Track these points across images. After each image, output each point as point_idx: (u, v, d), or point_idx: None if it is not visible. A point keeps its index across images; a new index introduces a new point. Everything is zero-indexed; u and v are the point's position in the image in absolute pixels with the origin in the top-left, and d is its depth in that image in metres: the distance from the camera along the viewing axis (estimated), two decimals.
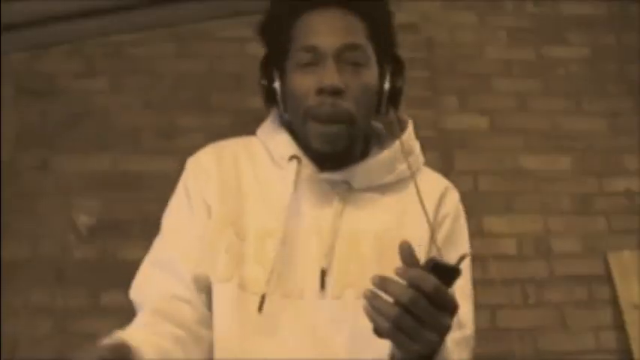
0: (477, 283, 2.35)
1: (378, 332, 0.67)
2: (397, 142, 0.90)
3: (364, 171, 0.90)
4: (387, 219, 0.89)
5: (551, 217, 2.28)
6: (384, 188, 0.91)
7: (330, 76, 0.85)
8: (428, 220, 0.82)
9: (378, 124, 0.98)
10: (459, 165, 2.32)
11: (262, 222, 0.89)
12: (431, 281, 0.65)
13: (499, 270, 2.18)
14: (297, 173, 0.89)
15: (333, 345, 0.83)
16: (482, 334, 2.18)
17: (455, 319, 0.71)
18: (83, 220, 2.15)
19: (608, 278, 2.20)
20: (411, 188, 0.86)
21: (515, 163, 2.35)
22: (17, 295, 2.04)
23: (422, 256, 0.83)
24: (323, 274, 0.84)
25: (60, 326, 2.03)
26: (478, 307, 2.30)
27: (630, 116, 2.47)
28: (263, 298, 0.83)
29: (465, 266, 0.83)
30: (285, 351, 0.82)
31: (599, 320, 2.16)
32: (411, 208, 0.87)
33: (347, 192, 0.89)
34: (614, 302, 2.16)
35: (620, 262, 2.20)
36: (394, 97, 0.92)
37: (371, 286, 0.68)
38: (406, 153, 0.89)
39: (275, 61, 0.93)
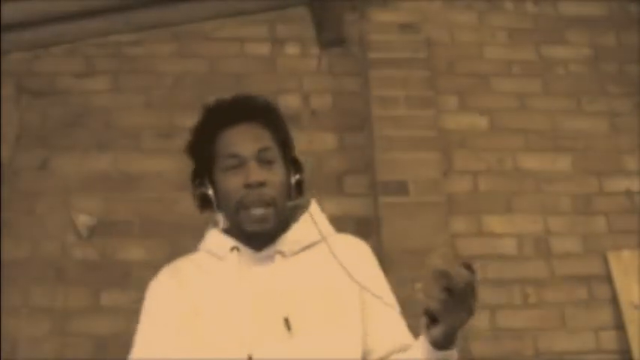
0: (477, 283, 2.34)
1: (430, 311, 0.91)
2: (306, 214, 1.13)
3: (290, 240, 1.11)
4: (319, 272, 1.09)
5: (551, 217, 2.28)
6: (309, 248, 1.12)
7: (254, 174, 1.07)
8: (349, 274, 1.04)
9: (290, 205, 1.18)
10: (458, 165, 2.32)
11: (219, 301, 1.07)
12: (467, 275, 0.89)
13: (499, 270, 2.18)
14: (239, 258, 1.09)
15: None
16: (483, 334, 2.20)
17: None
18: (83, 220, 2.15)
19: (608, 278, 2.19)
20: (331, 244, 1.09)
21: (515, 163, 2.35)
22: (17, 295, 2.04)
23: (355, 297, 1.07)
24: (287, 321, 1.01)
25: (60, 326, 2.03)
26: (479, 307, 2.31)
27: (630, 116, 2.47)
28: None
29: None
30: None
31: (599, 320, 2.15)
32: (329, 263, 1.08)
33: (282, 260, 1.09)
34: (614, 302, 2.16)
35: (620, 262, 2.20)
36: (299, 187, 1.15)
37: (321, 326, 1.00)
38: (315, 220, 1.12)
39: (203, 172, 1.13)
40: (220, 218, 1.15)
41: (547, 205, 2.30)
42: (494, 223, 2.25)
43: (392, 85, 2.30)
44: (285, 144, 1.16)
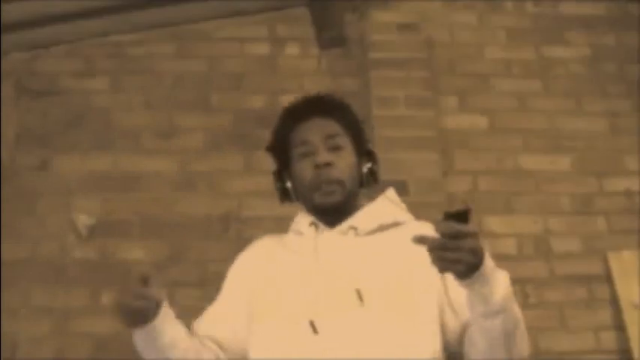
0: None
1: (434, 265, 0.93)
2: (382, 197, 1.24)
3: (363, 218, 1.19)
4: (394, 252, 1.13)
5: (551, 217, 2.28)
6: (385, 230, 1.18)
7: (321, 156, 1.18)
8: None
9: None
10: (458, 165, 2.32)
11: (292, 270, 1.17)
12: (449, 226, 0.90)
13: None
14: (316, 232, 1.19)
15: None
16: None
17: None
18: (83, 220, 2.15)
19: (608, 278, 2.19)
20: (406, 229, 1.14)
21: (515, 163, 2.35)
22: (17, 295, 2.04)
23: (431, 282, 1.10)
24: (359, 292, 1.06)
25: (60, 326, 2.03)
26: None
27: (630, 116, 2.46)
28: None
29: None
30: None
31: (599, 320, 2.15)
32: (405, 244, 1.09)
33: (355, 235, 1.17)
34: (614, 302, 2.16)
35: (620, 262, 2.20)
36: (374, 176, 1.26)
37: (394, 303, 1.04)
38: (391, 203, 1.23)
39: (284, 167, 1.25)
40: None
41: (547, 205, 2.30)
42: (495, 222, 2.24)
43: (392, 85, 2.30)
44: (357, 136, 1.25)
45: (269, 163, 2.33)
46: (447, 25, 2.53)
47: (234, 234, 2.16)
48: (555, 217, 2.28)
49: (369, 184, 1.25)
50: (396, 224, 1.19)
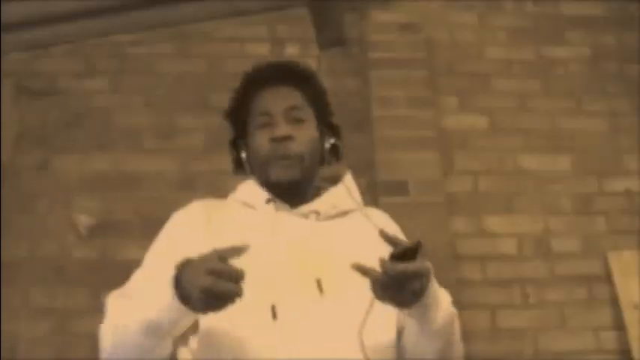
0: (477, 283, 2.36)
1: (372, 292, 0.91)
2: (341, 183, 1.15)
3: (326, 202, 1.12)
4: (354, 239, 1.08)
5: (551, 217, 2.28)
6: (342, 216, 1.12)
7: (279, 128, 1.10)
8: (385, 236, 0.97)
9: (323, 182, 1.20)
10: (458, 165, 2.32)
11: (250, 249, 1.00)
12: (393, 267, 0.86)
13: (499, 270, 2.18)
14: (274, 210, 1.09)
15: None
16: (483, 333, 2.20)
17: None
18: (83, 220, 2.15)
19: (608, 278, 2.19)
20: (361, 217, 1.10)
21: (515, 163, 2.34)
22: (17, 295, 2.04)
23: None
24: (319, 282, 1.00)
25: (60, 326, 2.03)
26: (478, 307, 2.30)
27: (630, 116, 2.46)
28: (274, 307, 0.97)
29: None
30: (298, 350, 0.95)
31: (599, 320, 2.15)
32: (366, 231, 1.06)
33: (316, 220, 1.10)
34: (614, 302, 2.16)
35: (620, 262, 2.20)
36: (336, 153, 1.18)
37: (354, 294, 0.94)
38: (350, 190, 1.15)
39: (239, 137, 1.17)
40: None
41: (547, 205, 2.30)
42: (495, 222, 2.24)
43: (392, 85, 2.30)
44: (320, 108, 1.17)
45: None
46: (447, 25, 2.52)
47: None
48: (555, 217, 2.28)
49: (330, 161, 1.17)
50: (351, 211, 1.13)
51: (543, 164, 2.35)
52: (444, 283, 2.07)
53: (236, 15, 2.44)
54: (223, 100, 2.35)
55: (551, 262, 2.22)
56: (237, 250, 0.85)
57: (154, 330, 0.91)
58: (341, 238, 1.07)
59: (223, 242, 0.96)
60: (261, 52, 2.44)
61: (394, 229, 1.17)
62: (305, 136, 1.11)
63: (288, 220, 1.07)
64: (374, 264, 0.96)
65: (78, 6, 2.23)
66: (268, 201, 1.10)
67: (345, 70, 2.41)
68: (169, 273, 0.88)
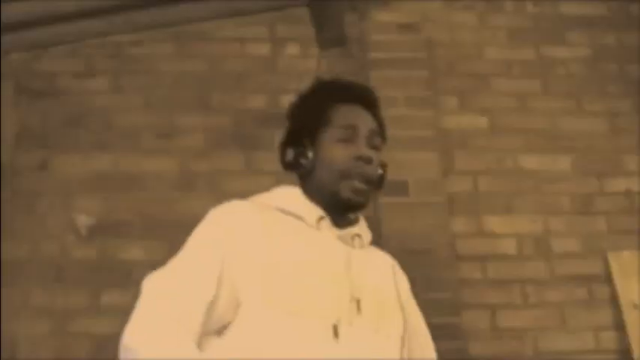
0: (477, 283, 2.36)
1: None
2: (361, 219, 1.21)
3: (364, 230, 1.19)
4: (378, 270, 1.18)
5: (551, 217, 2.27)
6: (369, 248, 1.21)
7: (366, 149, 1.14)
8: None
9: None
10: (458, 165, 2.32)
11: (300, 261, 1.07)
12: None
13: (499, 270, 2.18)
14: (325, 228, 1.12)
15: None
16: (483, 334, 2.20)
17: None
18: (83, 220, 2.15)
19: (608, 278, 2.19)
20: (380, 255, 1.23)
21: (515, 163, 2.34)
22: (17, 295, 2.04)
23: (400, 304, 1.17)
24: (358, 302, 1.05)
25: (60, 326, 2.02)
26: (478, 307, 2.30)
27: (630, 116, 2.46)
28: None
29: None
30: None
31: (599, 320, 2.15)
32: (389, 270, 1.22)
33: (360, 245, 1.16)
34: (614, 302, 2.15)
35: (620, 262, 2.20)
36: (381, 183, 1.23)
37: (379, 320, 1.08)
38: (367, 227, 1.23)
39: (304, 137, 1.16)
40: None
41: (547, 205, 2.30)
42: (495, 222, 2.24)
43: (392, 85, 2.29)
44: (384, 140, 1.23)
45: (269, 163, 2.32)
46: (447, 25, 2.52)
47: None
48: (555, 217, 2.28)
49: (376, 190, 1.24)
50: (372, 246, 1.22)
51: (543, 164, 2.35)
52: (444, 283, 2.08)
53: (236, 15, 2.44)
54: (223, 100, 2.38)
55: (551, 262, 2.21)
56: None
57: None
58: (373, 267, 1.15)
59: (278, 255, 1.04)
60: (261, 52, 2.44)
61: (401, 274, 1.26)
62: (378, 162, 1.17)
63: (337, 242, 1.12)
64: (391, 298, 1.14)
65: (78, 6, 2.23)
66: (320, 219, 1.12)
67: (345, 70, 2.39)
68: None
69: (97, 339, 2.00)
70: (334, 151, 1.13)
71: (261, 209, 1.12)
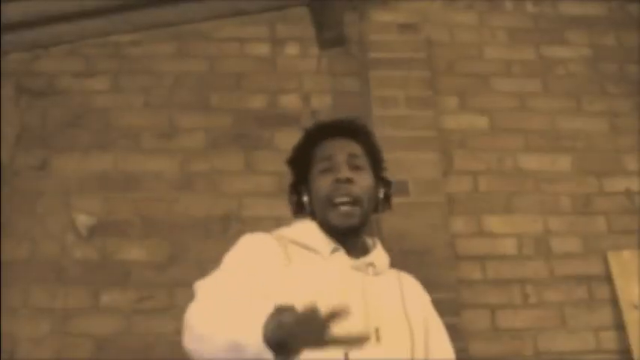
0: (477, 283, 2.36)
1: None
2: (379, 244, 1.28)
3: (380, 257, 1.24)
4: (395, 296, 1.20)
5: (551, 217, 2.27)
6: (387, 272, 1.25)
7: (343, 171, 1.20)
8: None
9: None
10: (458, 165, 2.32)
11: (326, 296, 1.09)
12: None
13: (499, 270, 2.18)
14: (339, 260, 1.18)
15: None
16: (482, 334, 2.20)
17: None
18: (83, 220, 2.15)
19: (608, 278, 2.18)
20: (398, 277, 1.25)
21: (515, 163, 2.34)
22: (17, 295, 2.04)
23: (421, 327, 1.19)
24: (377, 331, 1.09)
25: (60, 326, 2.02)
26: (478, 307, 2.30)
27: (630, 116, 2.46)
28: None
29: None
30: None
31: (599, 320, 2.14)
32: (406, 291, 1.23)
33: (374, 273, 1.19)
34: (614, 302, 2.15)
35: (620, 262, 2.19)
36: (388, 203, 1.30)
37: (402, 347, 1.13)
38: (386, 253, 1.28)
39: (302, 181, 1.27)
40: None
41: (547, 205, 2.29)
42: (494, 222, 2.24)
43: (392, 85, 2.29)
44: (376, 161, 1.30)
45: (269, 163, 2.32)
46: (447, 25, 2.52)
47: (234, 234, 2.14)
48: (555, 217, 2.27)
49: (383, 209, 1.29)
50: (388, 270, 1.26)
51: (543, 164, 2.35)
52: (443, 283, 2.07)
53: (236, 15, 2.44)
54: (223, 99, 2.38)
55: (551, 262, 2.21)
56: (340, 315, 0.85)
57: (236, 352, 0.94)
58: (391, 293, 1.19)
59: (299, 283, 1.09)
60: (261, 52, 2.44)
61: (424, 293, 1.30)
62: (363, 181, 1.22)
63: (352, 272, 1.16)
64: (415, 320, 1.16)
65: (78, 6, 2.23)
66: (334, 250, 1.18)
67: (344, 70, 2.41)
68: (265, 310, 0.91)
69: (97, 339, 2.00)
70: (317, 182, 1.22)
71: (281, 242, 1.19)
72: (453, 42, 2.50)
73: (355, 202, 1.18)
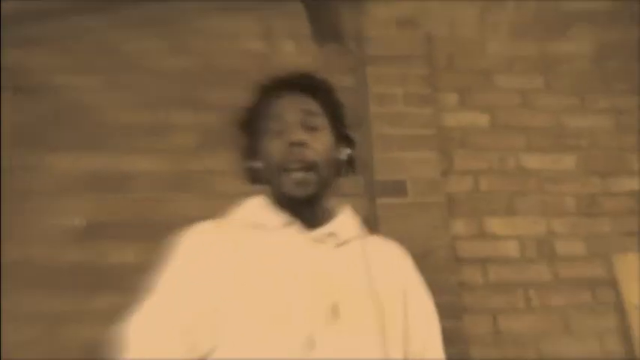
0: (478, 287, 2.33)
1: None
2: (346, 209, 1.17)
3: (343, 225, 1.13)
4: (360, 265, 1.09)
5: (554, 219, 2.26)
6: (351, 242, 1.12)
7: (295, 134, 1.08)
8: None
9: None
10: (459, 164, 2.30)
11: (278, 276, 1.03)
12: None
13: (501, 273, 2.17)
14: (294, 234, 1.08)
15: None
16: (484, 338, 2.17)
17: None
18: (75, 221, 2.12)
19: (613, 281, 2.18)
20: (364, 245, 1.12)
21: (518, 163, 2.33)
22: (7, 298, 2.00)
23: (396, 299, 1.10)
24: (335, 307, 1.00)
25: (51, 329, 1.99)
26: (480, 311, 2.27)
27: (636, 114, 2.46)
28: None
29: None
30: None
31: (603, 324, 2.14)
32: (374, 260, 1.11)
33: (334, 244, 1.10)
34: (619, 306, 2.14)
35: (626, 264, 2.18)
36: (352, 165, 1.17)
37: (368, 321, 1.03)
38: (356, 218, 1.17)
39: (253, 147, 1.15)
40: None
41: (550, 205, 2.28)
42: (496, 224, 2.23)
43: (390, 81, 2.27)
44: (337, 119, 1.17)
45: None
46: (447, 20, 2.50)
47: None
48: (559, 218, 2.27)
49: (346, 172, 1.17)
50: (359, 237, 1.14)
51: (546, 163, 2.34)
52: (444, 287, 2.03)
53: (230, 10, 2.42)
54: (217, 97, 2.34)
55: (555, 264, 2.20)
56: None
57: None
58: (354, 264, 1.08)
59: (248, 271, 1.01)
60: (255, 47, 2.42)
61: (404, 259, 1.18)
62: (320, 144, 1.09)
63: (306, 246, 1.06)
64: (385, 294, 1.05)
65: (72, 3, 2.22)
66: (285, 224, 1.08)
67: (341, 67, 2.39)
68: None
69: (88, 343, 1.97)
70: (269, 147, 1.10)
71: (226, 227, 1.10)
72: (453, 37, 2.49)
73: (310, 167, 1.07)
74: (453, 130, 2.33)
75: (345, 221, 1.13)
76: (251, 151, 1.15)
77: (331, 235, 1.09)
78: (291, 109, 1.11)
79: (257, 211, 1.12)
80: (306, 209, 1.09)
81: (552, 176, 2.32)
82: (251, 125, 1.16)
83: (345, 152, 1.15)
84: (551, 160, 2.35)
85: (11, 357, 1.95)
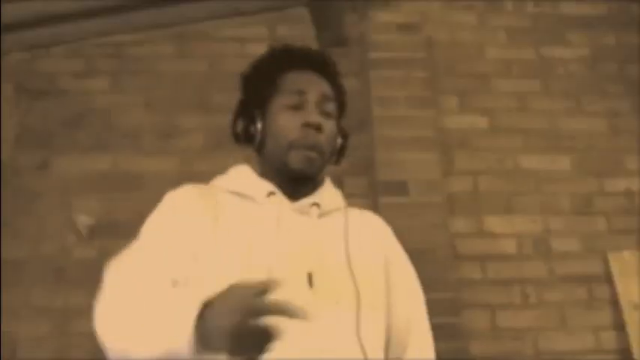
0: (477, 284, 2.36)
1: None
2: (329, 182, 1.15)
3: (327, 196, 1.11)
4: (341, 236, 1.07)
5: (551, 217, 2.27)
6: (334, 213, 1.10)
7: (315, 115, 1.07)
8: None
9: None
10: (458, 165, 2.32)
11: (257, 244, 1.00)
12: None
13: (499, 270, 2.18)
14: (278, 204, 1.05)
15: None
16: (482, 334, 2.20)
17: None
18: (83, 220, 2.15)
19: (608, 278, 2.19)
20: (345, 216, 1.09)
21: (515, 163, 2.34)
22: (17, 295, 2.03)
23: (379, 272, 1.08)
24: (310, 276, 0.98)
25: (59, 326, 2.02)
26: (478, 307, 2.30)
27: (630, 116, 2.46)
28: None
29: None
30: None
31: (599, 320, 2.15)
32: (353, 230, 1.08)
33: (317, 215, 1.07)
34: (614, 302, 2.15)
35: (620, 262, 2.20)
36: (341, 156, 1.16)
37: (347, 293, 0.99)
38: (337, 190, 1.16)
39: (254, 107, 1.11)
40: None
41: (547, 205, 2.30)
42: (495, 222, 2.24)
43: (392, 85, 2.29)
44: (341, 108, 1.16)
45: None
46: (447, 25, 2.52)
47: None
48: (555, 217, 2.28)
49: (337, 161, 1.16)
50: (342, 209, 1.12)
51: (543, 164, 2.35)
52: (443, 284, 2.07)
53: (236, 15, 2.44)
54: (223, 100, 2.36)
55: (551, 262, 2.21)
56: (269, 285, 0.75)
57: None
58: (335, 234, 1.06)
59: (227, 234, 0.99)
60: (261, 52, 2.42)
61: (385, 231, 1.17)
62: (330, 131, 1.09)
63: (287, 216, 1.04)
64: (366, 264, 1.04)
65: (78, 6, 2.23)
66: (270, 194, 1.06)
67: (345, 70, 2.34)
68: (191, 310, 0.78)
69: (96, 339, 1.99)
70: (282, 119, 1.07)
71: (212, 193, 1.08)
72: (453, 42, 2.50)
73: (320, 153, 1.06)
74: (453, 132, 2.34)
75: (328, 193, 1.12)
76: (251, 111, 1.11)
77: (314, 205, 1.07)
78: (313, 89, 1.08)
79: (241, 179, 1.10)
80: (299, 185, 1.08)
81: (549, 176, 2.33)
82: (260, 87, 1.11)
83: (339, 142, 1.14)
84: (547, 161, 2.35)
85: (21, 352, 1.99)
